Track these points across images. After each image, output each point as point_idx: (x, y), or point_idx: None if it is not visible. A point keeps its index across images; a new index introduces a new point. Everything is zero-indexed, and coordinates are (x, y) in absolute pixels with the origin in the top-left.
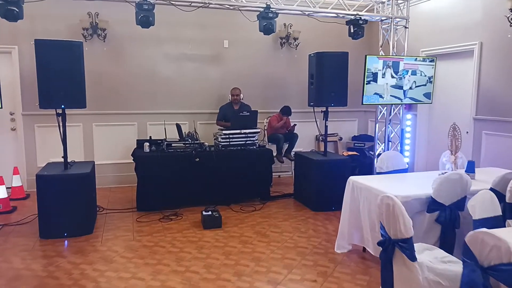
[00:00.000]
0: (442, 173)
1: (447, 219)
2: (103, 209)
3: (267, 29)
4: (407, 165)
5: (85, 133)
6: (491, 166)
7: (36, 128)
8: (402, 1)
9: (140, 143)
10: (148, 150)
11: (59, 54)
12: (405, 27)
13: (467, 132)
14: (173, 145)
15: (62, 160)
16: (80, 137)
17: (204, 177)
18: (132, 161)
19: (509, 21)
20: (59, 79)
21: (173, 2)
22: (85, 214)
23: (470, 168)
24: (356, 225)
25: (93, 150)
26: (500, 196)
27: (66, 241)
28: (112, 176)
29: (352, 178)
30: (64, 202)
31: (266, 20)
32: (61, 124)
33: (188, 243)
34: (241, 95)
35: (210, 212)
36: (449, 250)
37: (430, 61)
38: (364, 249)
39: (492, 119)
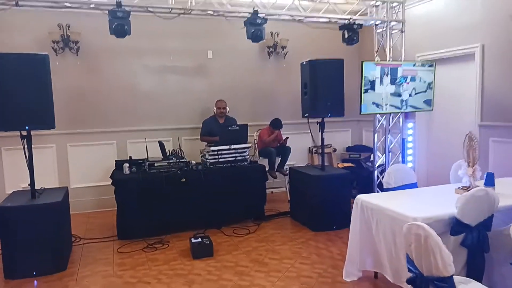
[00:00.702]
0: (461, 188)
1: (475, 242)
2: (80, 238)
3: (255, 36)
4: (416, 179)
5: (59, 155)
6: (502, 175)
7: (3, 151)
8: (396, 4)
9: (119, 164)
10: (128, 172)
11: (20, 69)
12: (401, 31)
13: None
14: (156, 164)
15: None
16: (54, 159)
17: (192, 199)
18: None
19: None
20: (22, 97)
21: (151, 9)
22: (57, 249)
23: (490, 180)
24: (369, 249)
25: (69, 173)
26: None
27: (35, 281)
28: (90, 200)
29: (360, 198)
30: (32, 237)
31: (254, 27)
32: (26, 147)
33: (176, 277)
34: (227, 108)
35: (199, 239)
36: (478, 277)
37: (429, 66)
38: (376, 274)
39: (499, 125)
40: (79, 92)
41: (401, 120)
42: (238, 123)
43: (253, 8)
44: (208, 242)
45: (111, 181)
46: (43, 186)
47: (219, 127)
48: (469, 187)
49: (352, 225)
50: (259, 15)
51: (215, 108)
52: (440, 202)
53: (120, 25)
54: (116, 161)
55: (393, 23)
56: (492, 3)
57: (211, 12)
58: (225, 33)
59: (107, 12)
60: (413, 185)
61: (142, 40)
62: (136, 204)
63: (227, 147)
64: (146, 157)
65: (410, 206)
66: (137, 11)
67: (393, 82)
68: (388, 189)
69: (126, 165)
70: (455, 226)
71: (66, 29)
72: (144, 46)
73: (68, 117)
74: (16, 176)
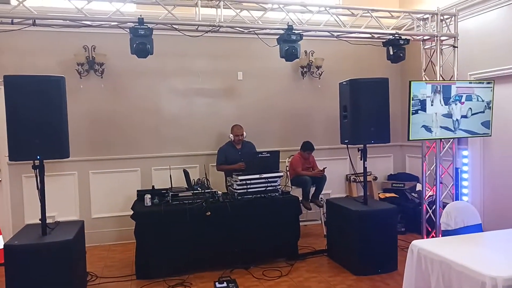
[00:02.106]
0: None
1: None
2: (96, 277)
3: (289, 55)
4: (481, 220)
5: (81, 182)
6: None
7: (24, 178)
8: (448, 17)
9: (140, 194)
10: (149, 203)
11: (33, 92)
12: (454, 47)
13: None
14: (180, 195)
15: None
16: (75, 187)
17: (217, 234)
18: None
19: None
20: (34, 123)
21: (176, 26)
22: None
23: None
24: None
25: (90, 202)
26: None
27: None
28: (112, 232)
29: (416, 245)
30: (40, 278)
31: (288, 44)
32: (38, 178)
33: None
34: (244, 133)
35: (225, 284)
36: None
37: (488, 83)
38: None
39: None
40: (103, 116)
41: (454, 146)
42: (268, 150)
43: (287, 24)
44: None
45: (132, 212)
46: (61, 217)
47: (236, 154)
48: None
49: (406, 278)
50: (294, 31)
51: (231, 134)
52: None
53: (142, 43)
54: (138, 191)
55: (443, 37)
56: None
57: (241, 29)
58: (256, 53)
59: (127, 30)
60: (478, 227)
61: (167, 61)
62: (157, 240)
63: (257, 176)
64: (170, 186)
65: (484, 260)
66: (161, 28)
67: (446, 102)
68: (447, 231)
69: (148, 196)
70: None
71: (92, 51)
72: (170, 67)
73: (91, 142)
74: (37, 205)
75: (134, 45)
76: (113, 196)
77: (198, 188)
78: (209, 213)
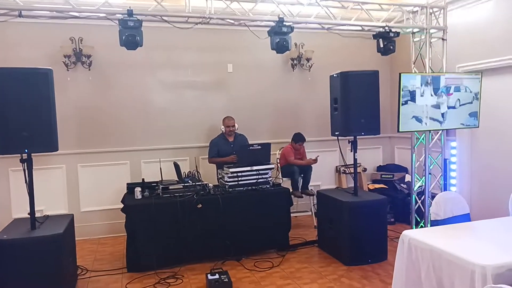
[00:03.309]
0: None
1: None
2: (86, 271)
3: (280, 47)
4: (469, 209)
5: (69, 176)
6: None
7: (11, 172)
8: (437, 9)
9: (130, 187)
10: (140, 197)
11: (20, 85)
12: (443, 39)
13: None
14: (170, 188)
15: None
16: (63, 181)
17: (209, 227)
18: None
19: None
20: (21, 116)
21: (166, 18)
22: (57, 286)
23: None
24: None
25: (79, 196)
26: None
27: None
28: (101, 225)
29: (407, 235)
30: (30, 273)
31: (279, 36)
32: (27, 172)
33: None
34: (236, 124)
35: (217, 276)
36: None
37: (476, 75)
38: None
39: None
40: (91, 109)
41: (442, 138)
42: (260, 142)
43: (278, 16)
44: (227, 280)
45: (122, 205)
46: (49, 211)
47: (228, 146)
48: None
49: (396, 267)
50: (284, 23)
51: (222, 126)
52: (509, 243)
53: (131, 35)
54: (127, 184)
55: (433, 30)
56: None
57: (232, 21)
58: (246, 45)
59: (117, 22)
60: (466, 217)
61: (156, 53)
62: (148, 233)
63: (248, 168)
64: (160, 179)
65: (474, 249)
66: (150, 20)
67: (435, 92)
68: (436, 221)
69: (138, 189)
70: None
71: (79, 43)
72: (159, 59)
73: (79, 135)
74: (25, 200)
75: (124, 37)
76: (102, 190)
77: (189, 181)
78: (200, 205)
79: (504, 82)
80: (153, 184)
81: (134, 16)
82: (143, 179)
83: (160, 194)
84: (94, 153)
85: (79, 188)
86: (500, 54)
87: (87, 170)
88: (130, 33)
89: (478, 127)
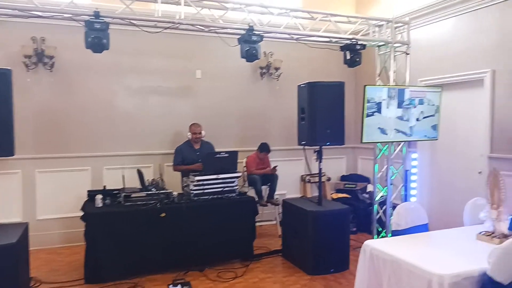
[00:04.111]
0: (483, 234)
1: None
2: (40, 283)
3: (250, 55)
4: (427, 220)
5: (26, 182)
6: None
7: None
8: (401, 25)
9: (91, 194)
10: (100, 204)
11: None
12: (406, 54)
13: (480, 173)
14: (133, 196)
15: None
16: (19, 187)
17: (172, 236)
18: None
19: None
20: None
21: (134, 22)
22: None
23: None
24: None
25: (36, 203)
26: None
27: None
28: (59, 234)
29: (369, 245)
30: None
31: (249, 45)
32: None
33: None
34: (203, 132)
35: (179, 286)
36: None
37: (436, 88)
38: None
39: (510, 157)
40: (52, 112)
41: (404, 149)
42: (227, 150)
43: (248, 25)
44: None
45: (82, 213)
46: (2, 219)
47: (193, 154)
48: (493, 232)
49: (358, 277)
50: (254, 32)
51: (189, 133)
52: (464, 252)
53: (97, 38)
54: (88, 191)
55: (397, 44)
56: (504, 26)
57: (202, 27)
58: (215, 52)
59: (82, 23)
60: (425, 227)
61: (123, 56)
62: (108, 242)
63: (214, 176)
64: (123, 187)
65: (432, 258)
66: (118, 23)
67: (400, 105)
68: (397, 231)
69: (99, 196)
70: (487, 284)
71: (41, 43)
72: (126, 63)
73: (38, 139)
74: None
75: (89, 39)
76: (61, 197)
77: (153, 189)
78: (164, 214)
79: (462, 96)
80: (115, 192)
81: (101, 18)
82: (104, 186)
83: (122, 202)
84: (53, 158)
85: (36, 195)
86: (459, 69)
87: (45, 176)
88: (96, 36)
89: (437, 139)
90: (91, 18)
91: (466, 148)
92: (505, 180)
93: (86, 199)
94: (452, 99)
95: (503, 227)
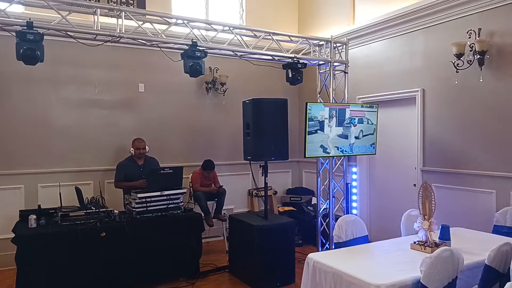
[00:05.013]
0: (417, 243)
1: None
2: None
3: (194, 71)
4: (367, 231)
5: None
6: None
7: None
8: (340, 45)
9: (24, 214)
10: (34, 225)
11: None
12: (345, 72)
13: (415, 185)
14: (70, 215)
15: None
16: None
17: (114, 256)
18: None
19: (455, 67)
20: None
21: (71, 34)
22: None
23: (445, 234)
24: None
25: None
26: (497, 274)
27: None
28: None
29: (312, 258)
30: None
31: (193, 60)
32: None
33: None
34: (147, 147)
35: None
36: None
37: (373, 107)
38: None
39: (441, 170)
40: None
41: (344, 163)
42: (172, 165)
43: (192, 40)
44: None
45: (13, 235)
46: None
47: (137, 170)
48: (426, 242)
49: None
50: (198, 47)
51: (132, 148)
52: (400, 262)
53: (30, 49)
54: (20, 211)
55: (336, 63)
56: (432, 49)
57: (144, 42)
58: (159, 65)
59: (13, 34)
60: (365, 238)
61: (60, 68)
62: (43, 266)
63: (158, 193)
64: (59, 205)
65: (370, 269)
66: (53, 34)
67: (340, 123)
68: (339, 244)
69: (33, 216)
70: None
71: None
72: (63, 75)
73: None
74: None
75: (21, 51)
76: None
77: (92, 207)
78: (104, 233)
79: (397, 113)
80: (51, 211)
81: (34, 28)
82: (39, 206)
83: (59, 221)
84: None
85: None
86: (393, 88)
87: None
88: (29, 47)
89: (375, 153)
90: (23, 29)
91: (401, 162)
92: (436, 192)
93: (18, 219)
94: (387, 116)
95: (435, 237)
